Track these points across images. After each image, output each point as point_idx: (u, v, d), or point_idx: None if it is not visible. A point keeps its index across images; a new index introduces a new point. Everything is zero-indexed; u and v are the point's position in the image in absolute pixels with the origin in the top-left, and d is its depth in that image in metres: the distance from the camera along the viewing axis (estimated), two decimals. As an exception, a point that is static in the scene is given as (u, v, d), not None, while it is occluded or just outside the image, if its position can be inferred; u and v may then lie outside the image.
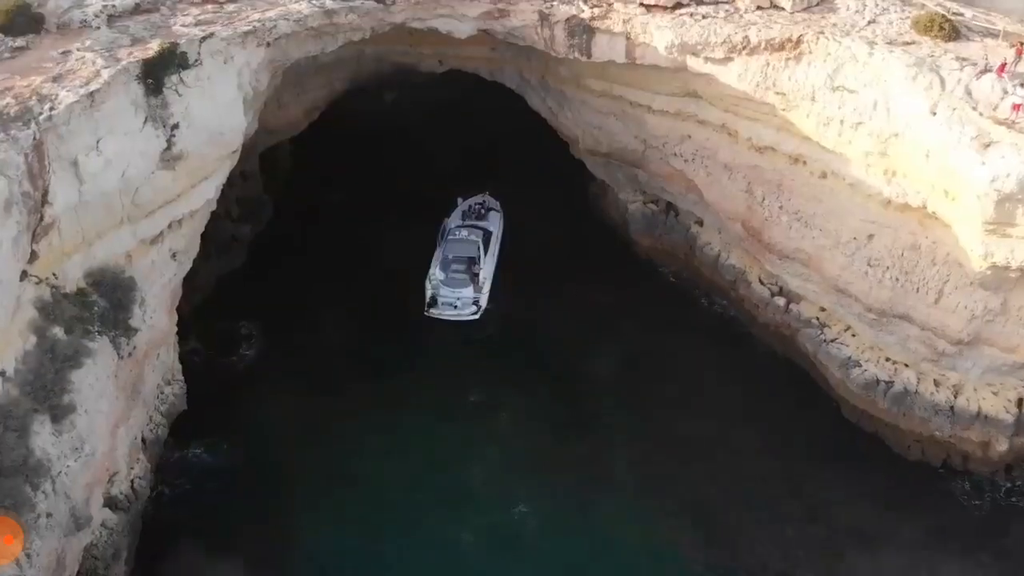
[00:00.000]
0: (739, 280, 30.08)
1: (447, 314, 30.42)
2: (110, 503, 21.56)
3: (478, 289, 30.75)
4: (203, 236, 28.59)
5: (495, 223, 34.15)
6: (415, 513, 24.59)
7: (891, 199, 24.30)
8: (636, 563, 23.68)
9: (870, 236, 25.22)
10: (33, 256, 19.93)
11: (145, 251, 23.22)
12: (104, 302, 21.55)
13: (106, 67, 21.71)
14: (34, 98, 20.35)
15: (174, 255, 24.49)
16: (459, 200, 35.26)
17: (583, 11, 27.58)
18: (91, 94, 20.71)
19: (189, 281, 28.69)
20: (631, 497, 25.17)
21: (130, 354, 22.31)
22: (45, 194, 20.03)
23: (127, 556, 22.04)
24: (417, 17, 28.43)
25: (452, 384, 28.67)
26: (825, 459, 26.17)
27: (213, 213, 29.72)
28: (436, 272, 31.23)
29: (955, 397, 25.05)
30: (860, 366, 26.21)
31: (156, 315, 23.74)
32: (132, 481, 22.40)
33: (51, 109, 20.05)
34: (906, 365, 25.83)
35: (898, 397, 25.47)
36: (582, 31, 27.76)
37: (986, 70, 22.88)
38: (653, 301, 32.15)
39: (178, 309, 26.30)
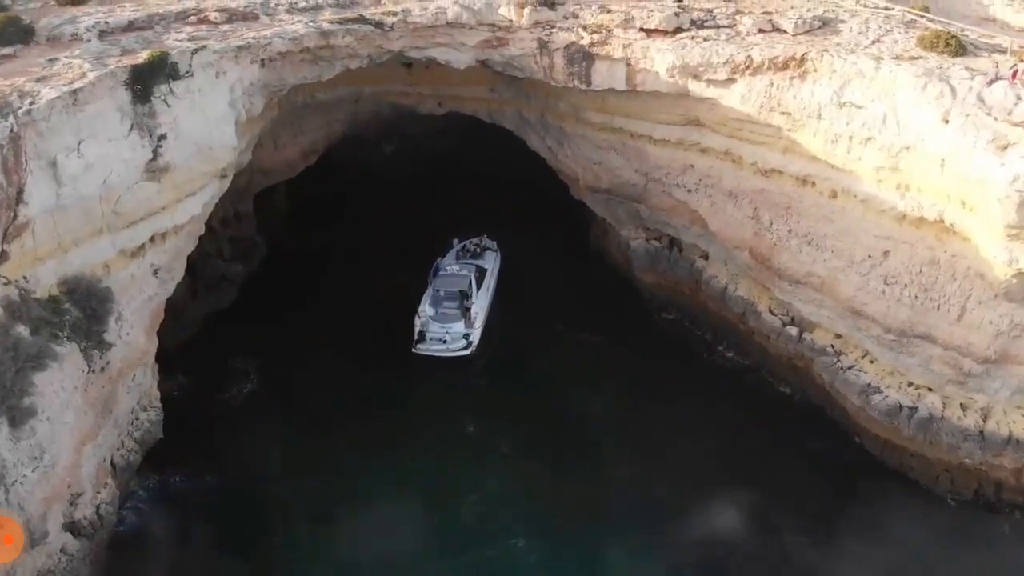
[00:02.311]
0: (748, 312, 28.77)
1: (435, 349, 28.80)
2: (72, 528, 19.78)
3: (470, 324, 29.32)
4: (193, 273, 27.60)
5: (490, 261, 33.26)
6: (408, 548, 22.75)
7: (906, 213, 23.32)
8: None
9: (885, 253, 24.11)
10: (4, 256, 19.02)
11: (124, 263, 22.19)
12: (77, 311, 20.39)
13: (92, 71, 21.21)
14: (15, 94, 19.78)
15: (156, 272, 23.39)
16: (454, 241, 34.48)
17: (582, 37, 27.37)
18: (74, 92, 20.17)
19: (176, 316, 27.67)
20: (633, 534, 23.30)
21: (103, 369, 20.95)
22: (20, 192, 19.22)
23: (87, 587, 20.13)
24: (415, 45, 28.14)
25: (448, 420, 27.20)
26: (848, 498, 24.25)
27: (204, 251, 28.90)
28: (425, 308, 29.92)
29: (984, 421, 23.36)
30: (881, 392, 24.60)
31: (133, 332, 22.45)
32: (98, 506, 20.63)
33: (31, 104, 19.43)
34: (930, 389, 24.22)
35: (923, 423, 23.78)
36: (582, 58, 27.46)
37: (997, 78, 22.24)
38: (658, 337, 31.08)
39: (164, 344, 25.08)
